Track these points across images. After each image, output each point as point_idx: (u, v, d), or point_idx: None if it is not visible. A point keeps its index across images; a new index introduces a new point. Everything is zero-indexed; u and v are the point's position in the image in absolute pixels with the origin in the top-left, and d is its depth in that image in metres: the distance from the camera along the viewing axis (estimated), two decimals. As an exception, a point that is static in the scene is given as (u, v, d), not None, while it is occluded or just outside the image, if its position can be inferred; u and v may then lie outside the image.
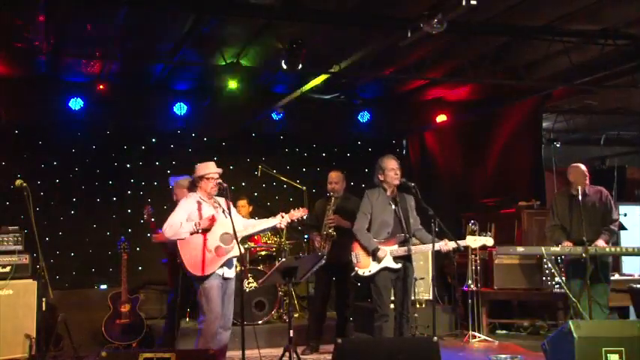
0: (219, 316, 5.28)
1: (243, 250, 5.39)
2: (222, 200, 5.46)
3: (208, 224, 5.26)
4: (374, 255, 5.78)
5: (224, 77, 8.25)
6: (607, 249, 6.34)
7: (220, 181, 5.40)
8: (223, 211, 5.39)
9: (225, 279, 5.36)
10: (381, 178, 5.96)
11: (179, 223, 5.24)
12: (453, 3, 5.25)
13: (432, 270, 8.19)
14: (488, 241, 5.92)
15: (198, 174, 5.44)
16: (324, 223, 6.90)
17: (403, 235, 5.83)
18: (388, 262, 5.79)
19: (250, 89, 8.65)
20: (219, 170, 5.47)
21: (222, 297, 5.35)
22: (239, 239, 5.25)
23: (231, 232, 5.18)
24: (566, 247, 6.42)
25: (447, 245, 5.76)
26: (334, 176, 7.06)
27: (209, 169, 5.44)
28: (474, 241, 5.89)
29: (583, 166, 6.59)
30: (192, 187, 5.50)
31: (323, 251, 6.80)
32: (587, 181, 6.55)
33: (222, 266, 5.30)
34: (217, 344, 5.28)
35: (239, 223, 5.49)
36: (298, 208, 5.57)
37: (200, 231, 5.27)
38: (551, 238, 6.73)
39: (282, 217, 5.51)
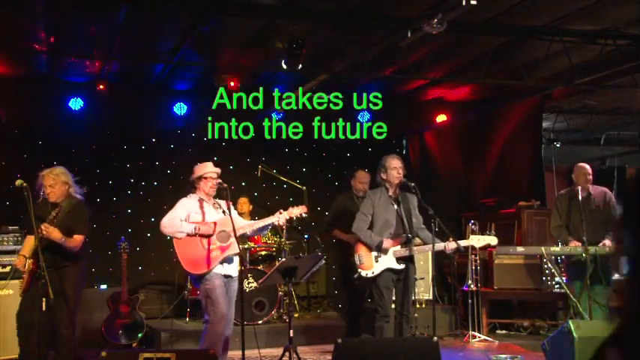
0: (225, 316, 5.26)
1: (240, 249, 5.36)
2: (222, 202, 5.46)
3: (208, 231, 5.24)
4: (378, 249, 5.77)
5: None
6: (606, 249, 6.34)
7: (220, 181, 5.40)
8: (224, 212, 5.39)
9: (226, 277, 5.34)
10: (384, 177, 5.94)
11: (179, 222, 5.24)
12: (453, 3, 5.26)
13: (432, 270, 8.19)
14: (493, 240, 5.88)
15: (197, 174, 5.43)
16: None
17: (406, 236, 5.83)
18: (391, 263, 5.78)
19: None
20: (218, 170, 5.46)
21: (227, 297, 5.34)
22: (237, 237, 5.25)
23: (228, 229, 5.17)
24: (567, 247, 6.42)
25: (450, 244, 5.74)
26: (366, 177, 7.02)
27: (207, 168, 5.43)
28: (477, 241, 5.86)
29: (587, 167, 6.58)
30: (192, 188, 5.50)
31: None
32: (591, 182, 6.55)
33: (222, 263, 5.29)
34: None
35: (238, 221, 5.47)
36: (298, 206, 5.56)
37: (198, 235, 5.26)
38: (557, 237, 6.71)
39: (281, 214, 5.48)
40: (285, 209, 5.54)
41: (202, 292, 5.29)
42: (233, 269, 5.41)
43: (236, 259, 5.43)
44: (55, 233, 5.41)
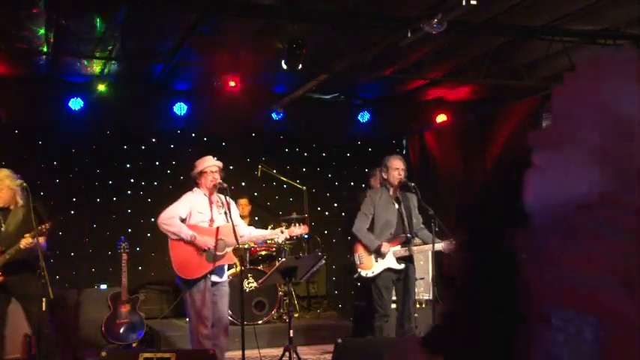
0: (207, 320, 5.24)
1: (236, 260, 5.37)
2: (223, 198, 5.42)
3: (204, 244, 5.22)
4: (377, 252, 5.77)
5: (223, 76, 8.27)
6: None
7: (220, 181, 5.38)
8: (225, 213, 5.35)
9: (213, 283, 5.32)
10: (385, 176, 5.96)
11: (179, 224, 5.20)
12: (453, 3, 5.26)
13: (432, 270, 8.18)
14: None
15: (198, 169, 5.38)
16: None
17: (405, 236, 5.83)
18: (391, 263, 5.78)
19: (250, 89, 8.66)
20: (219, 163, 5.40)
21: (214, 300, 5.33)
22: (234, 246, 5.24)
23: (227, 239, 5.15)
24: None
25: (451, 244, 5.75)
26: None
27: (207, 162, 5.39)
28: None
29: None
30: (194, 183, 5.47)
31: None
32: None
33: (211, 272, 5.27)
34: (214, 346, 5.27)
35: (239, 228, 5.45)
36: (299, 225, 5.54)
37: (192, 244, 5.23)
38: None
39: (282, 233, 5.48)
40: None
41: (187, 295, 5.28)
42: (221, 277, 5.39)
43: (226, 266, 5.43)
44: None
